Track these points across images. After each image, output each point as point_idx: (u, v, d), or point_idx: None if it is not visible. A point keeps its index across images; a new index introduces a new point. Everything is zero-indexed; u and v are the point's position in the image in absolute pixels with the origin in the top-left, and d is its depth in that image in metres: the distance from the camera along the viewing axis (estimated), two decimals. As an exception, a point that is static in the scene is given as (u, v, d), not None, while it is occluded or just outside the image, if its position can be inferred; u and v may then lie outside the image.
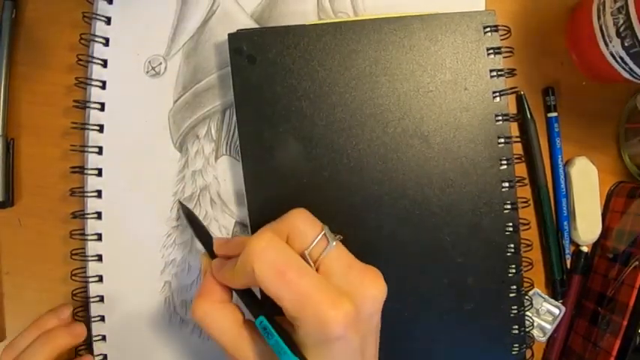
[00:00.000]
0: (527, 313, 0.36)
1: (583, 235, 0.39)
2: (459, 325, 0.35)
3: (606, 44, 0.35)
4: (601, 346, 0.37)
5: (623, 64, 0.34)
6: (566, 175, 0.39)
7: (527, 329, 0.36)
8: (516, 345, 0.36)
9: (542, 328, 0.39)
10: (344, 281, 0.27)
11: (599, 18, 0.35)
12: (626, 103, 0.40)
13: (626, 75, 0.35)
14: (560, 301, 0.39)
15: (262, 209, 0.33)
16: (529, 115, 0.38)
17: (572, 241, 0.40)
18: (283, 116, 0.34)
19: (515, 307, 0.36)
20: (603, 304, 0.38)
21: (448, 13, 0.34)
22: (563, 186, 0.39)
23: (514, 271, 0.35)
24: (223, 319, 0.28)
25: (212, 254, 0.31)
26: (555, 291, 0.39)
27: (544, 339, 0.39)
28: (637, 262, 0.36)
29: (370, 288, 0.27)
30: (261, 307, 0.28)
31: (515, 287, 0.36)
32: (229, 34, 0.33)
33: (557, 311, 0.39)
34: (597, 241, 0.40)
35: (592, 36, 0.36)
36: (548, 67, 0.39)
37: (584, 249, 0.40)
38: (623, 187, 0.40)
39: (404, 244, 0.34)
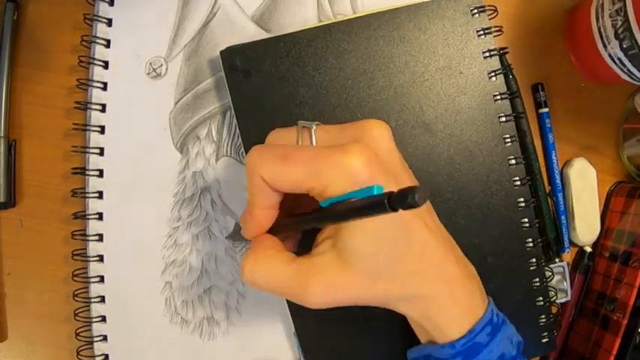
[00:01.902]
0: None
1: (582, 235, 0.39)
2: None
3: (604, 46, 0.35)
4: (601, 345, 0.37)
5: (621, 66, 0.34)
6: (565, 177, 0.40)
7: (551, 299, 0.37)
8: (543, 316, 0.37)
9: (560, 290, 0.39)
10: (344, 140, 0.26)
11: (597, 20, 0.35)
12: (624, 104, 0.40)
13: (624, 76, 0.35)
14: (557, 259, 0.40)
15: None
16: (510, 75, 0.37)
17: (571, 242, 0.40)
18: (285, 125, 0.34)
19: (537, 279, 0.36)
20: (604, 303, 0.38)
21: (434, 0, 0.35)
22: (558, 182, 0.39)
23: (531, 244, 0.36)
24: (272, 263, 0.26)
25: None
26: (551, 250, 0.39)
27: (568, 297, 0.39)
28: (637, 262, 0.36)
29: (371, 129, 0.26)
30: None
31: (534, 260, 0.36)
32: (221, 52, 0.34)
33: (561, 269, 0.39)
34: (597, 241, 0.40)
35: (590, 38, 0.36)
36: (547, 69, 0.39)
37: (587, 249, 0.40)
38: (623, 187, 0.40)
39: None
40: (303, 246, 0.29)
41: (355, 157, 0.24)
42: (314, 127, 0.27)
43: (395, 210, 0.18)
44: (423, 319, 0.28)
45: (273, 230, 0.28)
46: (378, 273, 0.25)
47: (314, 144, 0.27)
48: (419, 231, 0.26)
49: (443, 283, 0.27)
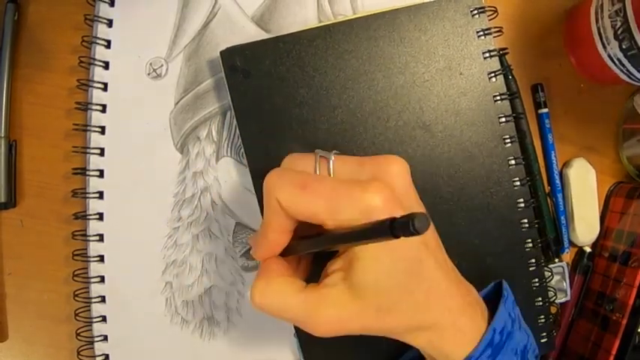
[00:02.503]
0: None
1: (581, 236, 0.39)
2: None
3: (604, 46, 0.35)
4: (601, 345, 0.37)
5: (620, 66, 0.34)
6: (565, 177, 0.40)
7: (550, 299, 0.37)
8: (542, 316, 0.37)
9: (560, 290, 0.39)
10: (363, 175, 0.26)
11: (597, 20, 0.35)
12: (623, 104, 0.40)
13: (623, 77, 0.35)
14: (556, 259, 0.40)
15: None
16: (510, 75, 0.37)
17: (570, 242, 0.40)
18: (285, 125, 0.34)
19: (537, 279, 0.36)
20: (603, 303, 0.38)
21: (434, 0, 0.35)
22: (558, 182, 0.39)
23: (531, 244, 0.36)
24: (282, 290, 0.26)
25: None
26: (551, 251, 0.39)
27: (568, 297, 0.39)
28: (636, 262, 0.36)
29: (390, 166, 0.26)
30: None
31: (533, 260, 0.36)
32: (221, 52, 0.34)
33: (561, 269, 0.39)
34: (597, 241, 0.40)
35: (590, 38, 0.36)
36: (547, 69, 0.39)
37: (587, 249, 0.40)
38: (622, 187, 0.40)
39: None
40: (314, 274, 0.30)
41: (375, 196, 0.24)
42: (332, 158, 0.27)
43: (397, 236, 0.18)
44: (428, 347, 0.28)
45: (282, 253, 0.28)
46: (387, 308, 0.26)
47: (331, 174, 0.27)
48: (429, 267, 0.26)
49: (446, 314, 0.27)
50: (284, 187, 0.25)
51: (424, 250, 0.26)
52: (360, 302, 0.25)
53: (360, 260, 0.25)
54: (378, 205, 0.24)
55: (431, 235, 0.28)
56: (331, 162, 0.27)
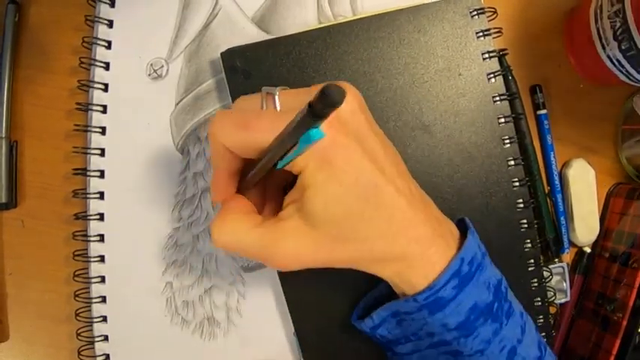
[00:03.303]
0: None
1: (581, 236, 0.39)
2: None
3: (603, 47, 0.35)
4: (601, 346, 0.37)
5: (620, 67, 0.35)
6: (564, 178, 0.40)
7: (550, 300, 0.37)
8: (541, 316, 0.37)
9: (559, 290, 0.39)
10: (305, 102, 0.26)
11: (596, 21, 0.35)
12: (623, 105, 0.40)
13: (622, 77, 0.35)
14: (556, 260, 0.40)
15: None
16: (510, 75, 0.37)
17: (570, 243, 0.40)
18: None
19: (536, 280, 0.36)
20: (603, 304, 0.38)
21: (433, 2, 0.35)
22: (557, 183, 0.39)
23: (530, 245, 0.36)
24: (239, 225, 0.26)
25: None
26: (550, 251, 0.39)
27: (567, 298, 0.39)
28: (636, 263, 0.36)
29: None
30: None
31: (532, 261, 0.36)
32: (222, 53, 0.34)
33: (561, 269, 0.39)
34: (597, 242, 0.40)
35: (589, 39, 0.36)
36: (546, 70, 0.39)
37: (587, 249, 0.40)
38: (622, 188, 0.40)
39: None
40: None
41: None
42: (276, 93, 0.27)
43: (320, 117, 0.18)
44: (395, 278, 0.28)
45: (240, 190, 0.28)
46: (345, 237, 0.25)
47: (278, 109, 0.27)
48: (387, 194, 0.26)
49: (414, 244, 0.26)
50: (227, 130, 0.25)
51: (379, 175, 0.25)
52: (315, 232, 0.25)
53: (309, 188, 0.25)
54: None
55: (388, 163, 0.27)
56: (276, 97, 0.27)
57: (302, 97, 0.26)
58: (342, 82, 0.27)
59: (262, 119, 0.25)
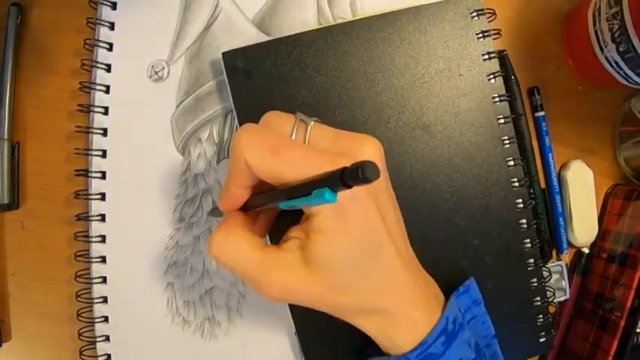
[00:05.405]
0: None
1: (580, 237, 0.40)
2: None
3: (601, 49, 0.35)
4: (599, 346, 0.37)
5: (618, 69, 0.35)
6: (562, 179, 0.40)
7: (549, 299, 0.37)
8: (540, 316, 0.37)
9: (558, 289, 0.40)
10: (336, 149, 0.26)
11: (594, 23, 0.35)
12: (620, 106, 0.40)
13: (620, 79, 0.35)
14: (553, 259, 0.40)
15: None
16: (512, 76, 0.37)
17: (569, 243, 0.40)
18: None
19: (535, 279, 0.37)
20: (601, 304, 0.38)
21: (433, 2, 0.35)
22: (556, 184, 0.40)
23: (529, 245, 0.36)
24: (240, 245, 0.26)
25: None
26: (549, 251, 0.40)
27: (567, 296, 0.40)
28: (634, 264, 0.36)
29: (364, 146, 0.26)
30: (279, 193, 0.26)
31: (532, 260, 0.36)
32: (223, 53, 0.34)
33: (560, 267, 0.40)
34: (595, 243, 0.40)
35: (587, 41, 0.36)
36: (545, 72, 0.40)
37: (585, 250, 0.40)
38: (620, 189, 0.40)
39: (419, 234, 0.35)
40: (275, 236, 0.30)
41: None
42: (311, 124, 0.27)
43: (347, 186, 0.18)
44: (377, 333, 0.28)
45: (244, 207, 0.28)
46: (338, 287, 0.26)
47: (306, 142, 0.27)
48: (387, 254, 0.26)
49: (401, 305, 0.27)
50: (254, 150, 0.24)
51: (386, 235, 0.26)
52: (312, 276, 0.25)
53: (318, 233, 0.25)
54: None
55: (394, 223, 0.27)
56: (309, 128, 0.26)
57: (333, 140, 0.26)
58: (368, 138, 0.27)
59: (294, 152, 0.24)
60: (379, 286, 0.26)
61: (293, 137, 0.27)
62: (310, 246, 0.25)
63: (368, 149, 0.26)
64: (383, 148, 0.27)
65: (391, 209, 0.28)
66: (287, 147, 0.24)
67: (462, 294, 0.32)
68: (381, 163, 0.27)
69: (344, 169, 0.18)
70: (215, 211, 0.36)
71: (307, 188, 0.21)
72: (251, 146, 0.25)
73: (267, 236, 0.34)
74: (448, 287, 0.35)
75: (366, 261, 0.25)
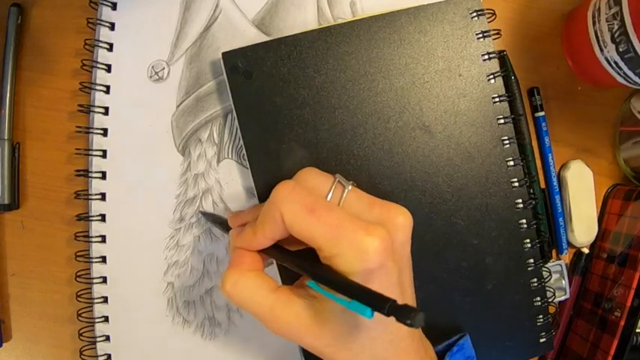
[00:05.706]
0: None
1: (579, 237, 0.40)
2: (483, 305, 0.36)
3: (601, 49, 0.35)
4: (599, 346, 0.37)
5: (617, 69, 0.35)
6: (562, 179, 0.40)
7: (549, 299, 0.37)
8: (540, 315, 0.37)
9: (558, 288, 0.40)
10: (370, 216, 0.27)
11: (594, 24, 0.35)
12: (620, 107, 0.40)
13: (620, 79, 0.36)
14: (551, 259, 0.40)
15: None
16: (512, 76, 0.38)
17: (569, 243, 0.40)
18: (286, 126, 0.34)
19: (535, 279, 0.37)
20: (601, 304, 0.38)
21: (433, 3, 0.35)
22: (555, 184, 0.40)
23: (529, 245, 0.36)
24: (254, 287, 0.27)
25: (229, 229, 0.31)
26: (549, 251, 0.40)
27: (567, 295, 0.40)
28: (634, 264, 0.36)
29: (397, 217, 0.27)
30: (301, 261, 0.26)
31: (532, 260, 0.36)
32: (223, 53, 0.34)
33: (559, 267, 0.40)
34: (594, 243, 0.41)
35: (587, 41, 0.36)
36: (544, 72, 0.40)
37: (585, 250, 0.40)
38: (620, 189, 0.40)
39: (419, 234, 0.35)
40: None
41: (375, 241, 0.24)
42: (349, 189, 0.28)
43: (389, 315, 0.19)
44: None
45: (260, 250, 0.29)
46: (342, 343, 0.26)
47: (341, 204, 0.28)
48: (398, 325, 0.26)
49: None
50: (292, 206, 0.25)
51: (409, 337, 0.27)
52: (320, 328, 0.26)
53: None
54: (375, 251, 0.24)
55: (410, 296, 0.28)
56: (346, 191, 0.28)
57: (368, 207, 0.27)
58: (402, 209, 0.28)
59: (330, 215, 0.25)
60: (383, 351, 0.26)
61: (329, 198, 0.27)
62: (323, 298, 0.26)
63: (400, 220, 0.27)
64: (412, 220, 0.28)
65: (408, 279, 0.28)
66: (325, 208, 0.25)
67: (456, 353, 0.32)
68: (408, 234, 0.28)
69: (394, 301, 0.19)
70: (214, 217, 0.36)
71: (349, 293, 0.22)
72: (289, 201, 0.25)
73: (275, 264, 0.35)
74: (447, 287, 0.36)
75: (376, 327, 0.26)
